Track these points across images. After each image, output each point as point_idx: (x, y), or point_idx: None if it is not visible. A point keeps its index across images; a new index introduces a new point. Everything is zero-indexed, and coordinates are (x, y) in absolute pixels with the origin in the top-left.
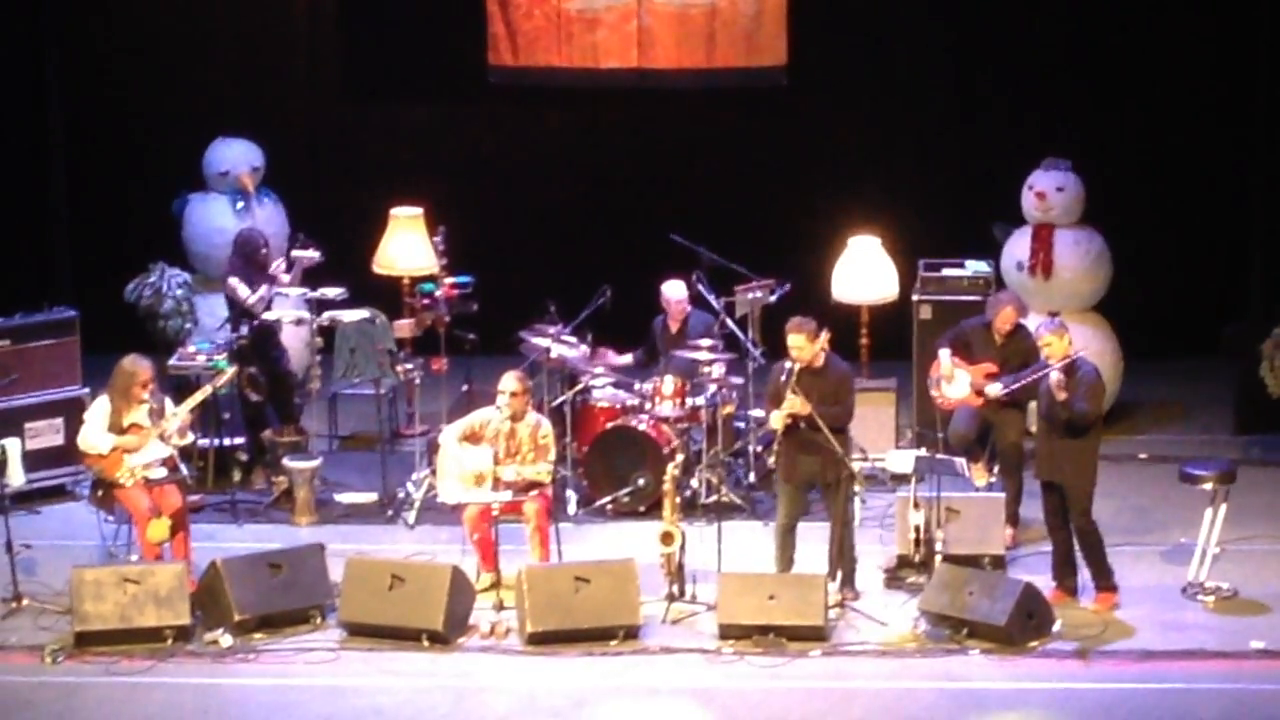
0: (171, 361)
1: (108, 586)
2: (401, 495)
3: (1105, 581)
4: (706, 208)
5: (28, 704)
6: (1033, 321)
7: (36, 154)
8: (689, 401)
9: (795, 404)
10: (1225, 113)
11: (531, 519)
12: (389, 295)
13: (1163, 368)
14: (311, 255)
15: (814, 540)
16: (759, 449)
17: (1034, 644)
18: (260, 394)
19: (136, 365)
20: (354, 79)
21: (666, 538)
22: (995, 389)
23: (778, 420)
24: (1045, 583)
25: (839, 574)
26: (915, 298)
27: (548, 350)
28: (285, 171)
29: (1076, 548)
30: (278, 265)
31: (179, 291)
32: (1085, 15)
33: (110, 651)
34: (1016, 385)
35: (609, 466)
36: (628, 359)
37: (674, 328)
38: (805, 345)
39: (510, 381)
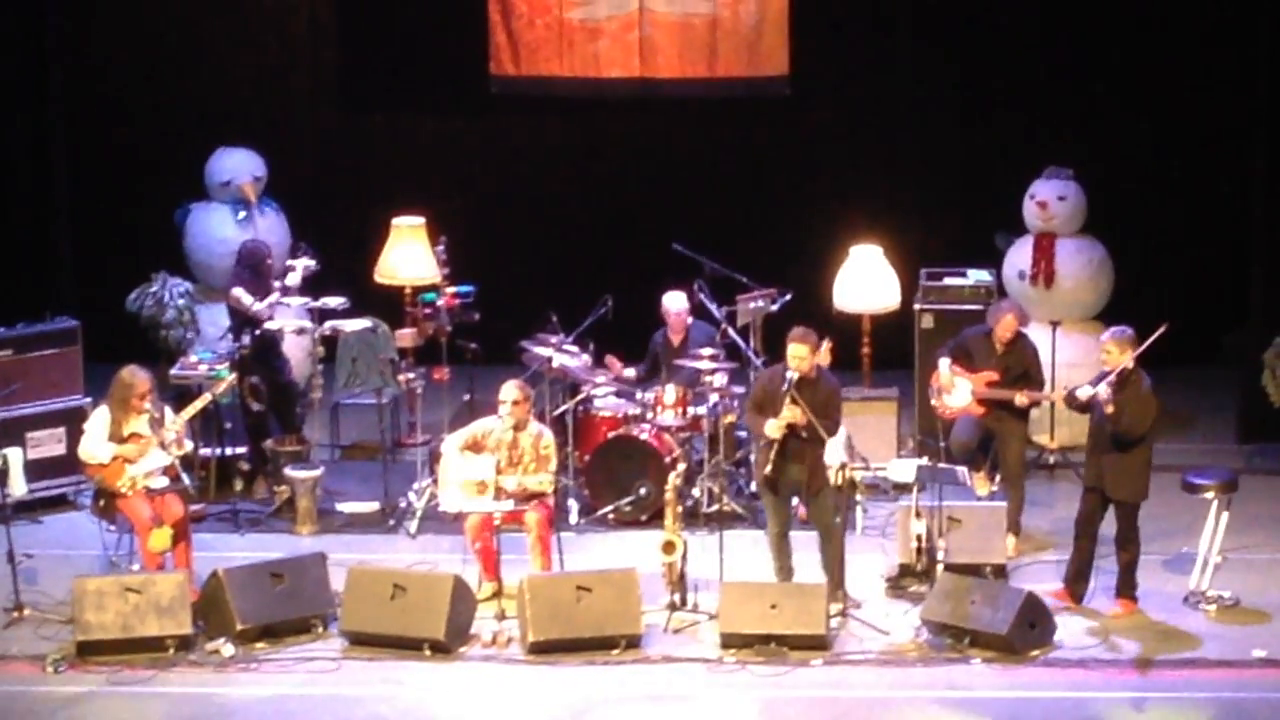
0: (173, 371)
1: (109, 596)
2: (403, 505)
3: (1130, 589)
4: (708, 217)
5: (29, 714)
6: (1033, 331)
7: (39, 164)
8: (691, 411)
9: (795, 414)
10: (1226, 122)
11: (533, 528)
12: (391, 305)
13: (1164, 376)
14: (308, 264)
15: (814, 549)
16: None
17: (1036, 653)
18: (262, 403)
19: (135, 377)
20: (355, 88)
21: (668, 547)
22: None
23: (775, 429)
24: (1049, 590)
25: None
26: (917, 307)
27: (549, 360)
28: (287, 181)
29: (1117, 555)
30: (292, 278)
31: (181, 301)
32: (1087, 25)
33: (112, 661)
34: (1095, 394)
35: (611, 476)
36: (631, 373)
37: (675, 340)
38: (807, 356)
39: (511, 390)
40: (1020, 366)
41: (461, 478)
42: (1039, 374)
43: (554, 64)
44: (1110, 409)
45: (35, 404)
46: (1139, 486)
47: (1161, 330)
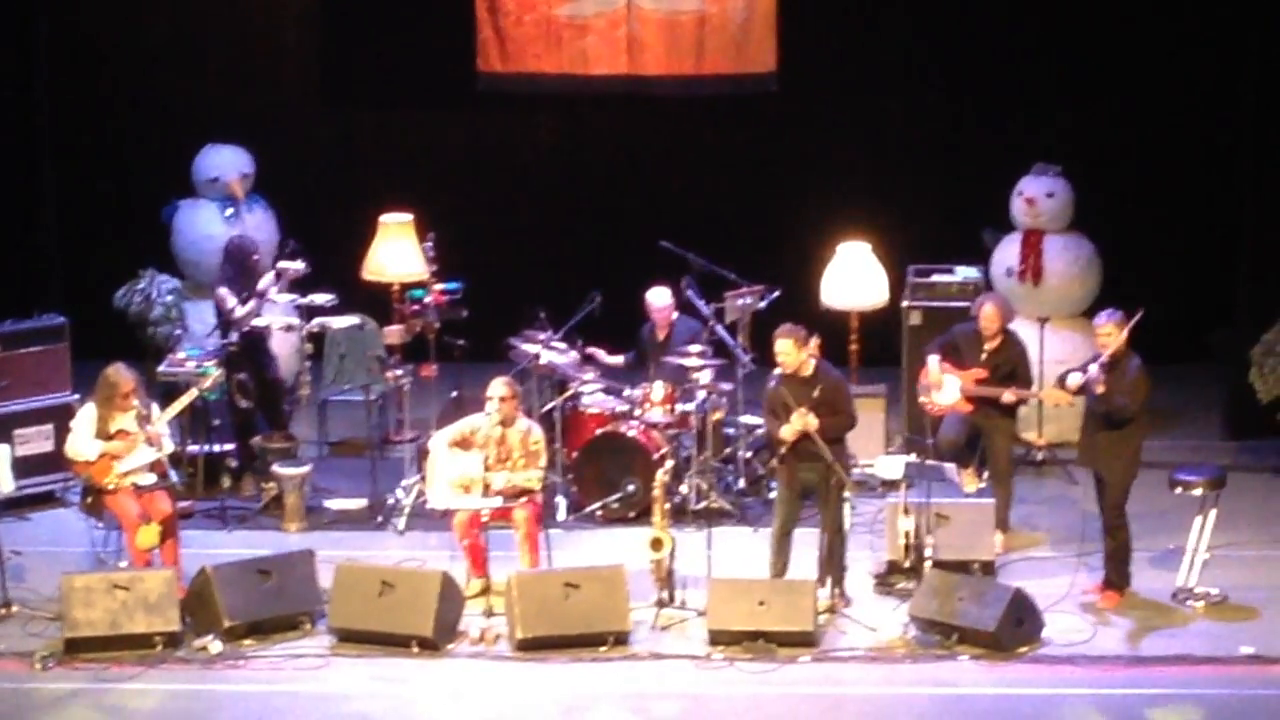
0: (161, 368)
1: (97, 593)
2: (391, 501)
3: (1118, 580)
4: (696, 214)
5: (17, 710)
6: (1019, 326)
7: (26, 161)
8: (678, 408)
9: (806, 422)
10: (1214, 118)
11: (521, 525)
12: (378, 302)
13: (1152, 373)
14: (297, 267)
15: (804, 545)
16: (748, 455)
17: (1023, 649)
18: (249, 400)
19: (119, 375)
20: (343, 85)
21: (656, 544)
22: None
23: (790, 433)
24: (1039, 587)
25: (829, 580)
26: (905, 304)
27: (537, 356)
28: (275, 178)
29: (1103, 542)
30: (267, 280)
31: (169, 298)
32: (1075, 21)
33: (100, 658)
34: (1086, 377)
35: (599, 473)
36: (619, 360)
37: (660, 335)
38: (792, 351)
39: (499, 387)
40: (1009, 364)
41: (450, 475)
42: (1026, 372)
43: (542, 61)
44: (1101, 389)
45: (23, 401)
46: (1130, 467)
47: (1139, 315)
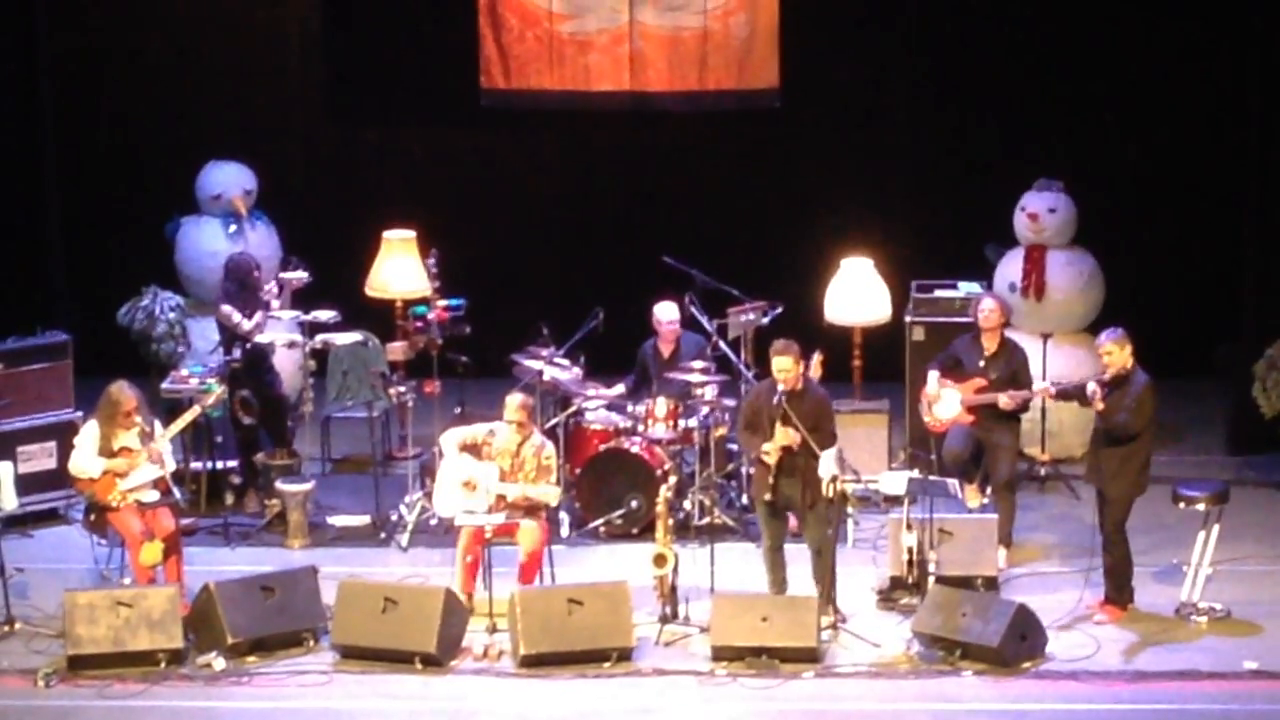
0: (164, 385)
1: (100, 610)
2: (394, 518)
3: (1118, 596)
4: (699, 230)
5: None
6: (1023, 341)
7: (30, 178)
8: (681, 423)
9: (789, 436)
10: (1217, 133)
11: (527, 546)
12: (382, 318)
13: (1156, 388)
14: (300, 276)
15: (806, 561)
16: (751, 471)
17: (1027, 665)
18: (252, 417)
19: (122, 393)
20: (346, 102)
21: (659, 560)
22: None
23: (772, 453)
24: (1040, 603)
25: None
26: (908, 319)
27: (540, 373)
28: (278, 194)
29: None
30: (269, 290)
31: (171, 315)
32: (1078, 36)
33: (103, 675)
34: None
35: (602, 489)
36: (619, 389)
37: (666, 351)
38: (792, 367)
39: (514, 411)
40: (1009, 369)
41: (461, 478)
42: (1027, 375)
43: (544, 77)
44: (1100, 406)
45: (26, 418)
46: (1133, 485)
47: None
